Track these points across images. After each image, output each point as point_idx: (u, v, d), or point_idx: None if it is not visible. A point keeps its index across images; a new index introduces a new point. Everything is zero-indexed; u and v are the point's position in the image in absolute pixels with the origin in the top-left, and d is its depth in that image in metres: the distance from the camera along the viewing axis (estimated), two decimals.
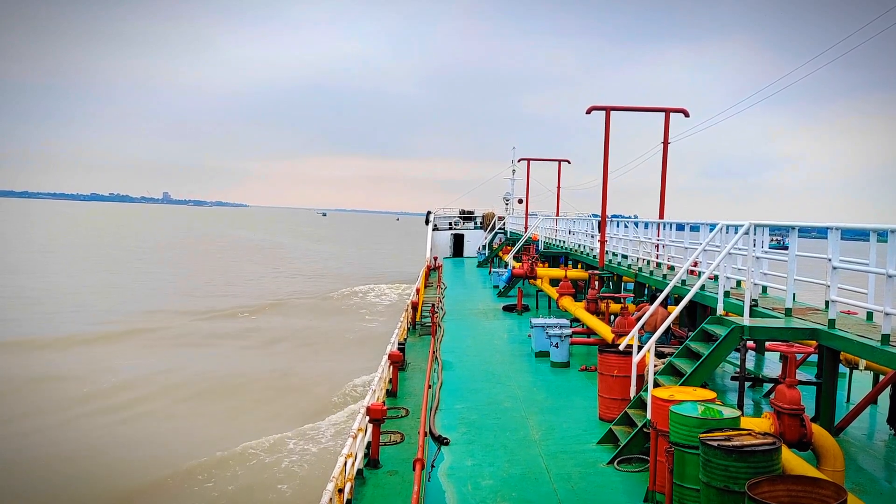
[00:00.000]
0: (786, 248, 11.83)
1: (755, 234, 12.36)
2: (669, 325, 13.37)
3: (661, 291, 15.73)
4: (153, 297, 50.52)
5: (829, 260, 10.57)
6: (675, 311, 12.74)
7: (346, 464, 9.13)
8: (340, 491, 8.76)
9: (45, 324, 38.00)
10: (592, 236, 29.42)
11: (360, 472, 10.71)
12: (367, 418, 11.27)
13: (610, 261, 24.87)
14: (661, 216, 24.91)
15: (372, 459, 11.27)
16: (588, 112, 24.36)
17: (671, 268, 19.88)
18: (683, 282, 16.13)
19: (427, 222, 59.22)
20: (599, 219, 25.64)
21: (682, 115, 24.87)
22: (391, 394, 15.69)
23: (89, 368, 28.30)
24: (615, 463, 11.05)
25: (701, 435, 8.10)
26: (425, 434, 12.13)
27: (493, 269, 41.92)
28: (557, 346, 18.42)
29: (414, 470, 9.94)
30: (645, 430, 10.83)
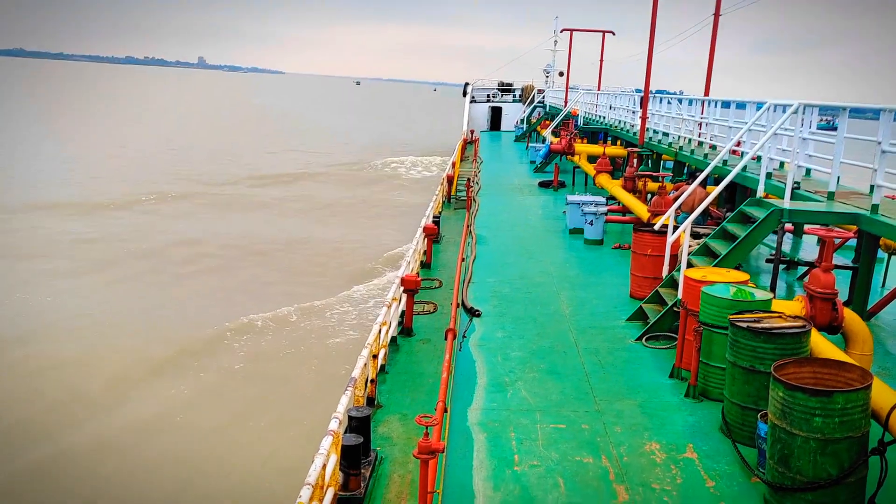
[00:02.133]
0: (835, 129, 11.45)
1: (803, 115, 11.96)
2: (707, 206, 13.23)
3: (701, 171, 15.46)
4: (178, 165, 50.87)
5: (879, 143, 10.24)
6: (714, 191, 12.56)
7: (380, 331, 9.41)
8: (375, 357, 9.09)
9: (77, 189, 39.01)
10: (633, 112, 28.69)
11: (393, 339, 11.07)
12: (402, 288, 11.50)
13: (650, 138, 24.34)
14: (707, 93, 24.11)
15: (405, 328, 11.60)
16: None
17: (713, 147, 19.45)
18: (725, 162, 15.81)
19: (465, 94, 58.14)
20: (642, 94, 24.89)
21: None
22: (425, 265, 15.95)
23: (118, 233, 29.16)
24: (643, 339, 11.25)
25: (731, 316, 8.19)
26: (458, 305, 12.41)
27: (530, 144, 41.39)
28: (592, 224, 18.40)
29: (446, 339, 10.24)
30: (675, 309, 10.95)
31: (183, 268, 24.62)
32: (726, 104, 19.33)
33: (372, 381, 8.94)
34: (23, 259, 24.36)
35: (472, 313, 12.45)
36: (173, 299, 21.33)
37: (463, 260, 15.77)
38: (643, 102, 24.48)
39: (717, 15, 23.62)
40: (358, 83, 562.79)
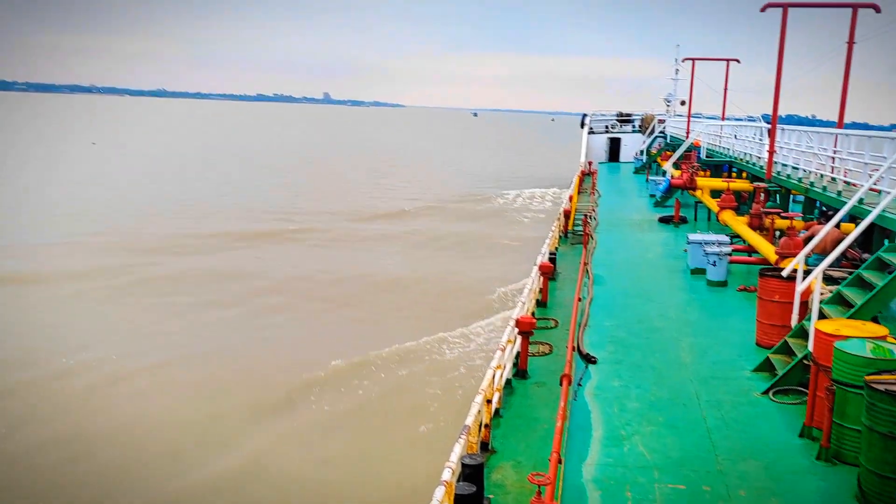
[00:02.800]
0: None
1: None
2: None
3: (834, 209, 14.64)
4: (296, 198, 52.61)
5: None
6: (852, 235, 11.85)
7: (494, 375, 9.41)
8: (489, 401, 9.09)
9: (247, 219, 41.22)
10: (760, 141, 27.60)
11: (508, 381, 11.04)
12: (517, 330, 11.47)
13: (779, 172, 23.33)
14: (840, 125, 22.89)
15: (520, 370, 11.56)
16: (763, 10, 22.38)
17: (847, 183, 18.38)
18: (861, 200, 14.91)
19: (582, 125, 57.69)
20: (769, 121, 23.89)
21: (872, 10, 22.33)
22: (541, 303, 15.83)
23: (258, 265, 30.48)
24: (770, 393, 10.69)
25: (867, 377, 7.68)
26: (573, 350, 12.24)
27: (650, 177, 40.49)
28: (715, 265, 17.71)
29: (560, 385, 10.12)
30: (805, 362, 10.36)
31: (295, 305, 25.16)
32: (861, 131, 18.28)
33: (486, 425, 8.94)
34: (119, 299, 25.40)
35: (588, 360, 12.24)
36: (282, 335, 21.89)
37: (580, 300, 15.53)
38: (770, 135, 23.51)
39: (850, 43, 22.45)
40: (475, 114, 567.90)
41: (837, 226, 15.34)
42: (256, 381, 18.25)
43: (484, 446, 8.89)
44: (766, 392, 10.77)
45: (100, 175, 60.39)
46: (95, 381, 18.03)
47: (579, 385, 11.11)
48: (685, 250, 19.91)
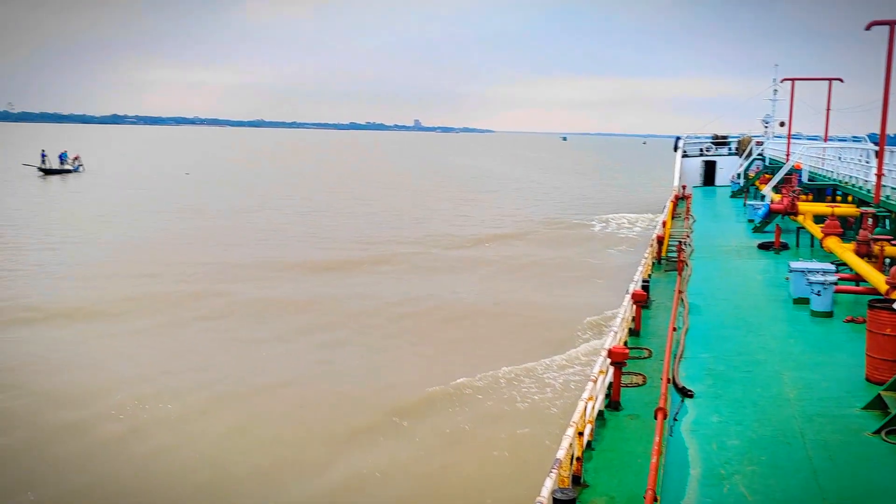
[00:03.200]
0: None
1: None
2: None
3: None
4: (378, 226, 52.86)
5: None
6: None
7: (586, 407, 9.26)
8: (580, 434, 8.94)
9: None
10: (867, 163, 26.33)
11: (600, 413, 10.85)
12: (609, 361, 11.28)
13: (888, 196, 22.20)
14: None
15: (613, 401, 11.36)
16: (867, 28, 21.47)
17: None
18: None
19: (675, 149, 56.52)
20: (876, 142, 22.83)
21: None
22: (633, 332, 15.53)
23: (339, 292, 30.91)
24: (882, 433, 10.07)
25: None
26: (668, 382, 11.90)
27: (747, 202, 39.19)
28: (819, 294, 16.92)
29: (655, 418, 9.86)
30: None
31: (373, 333, 25.07)
32: None
33: (578, 458, 8.81)
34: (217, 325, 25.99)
35: (684, 393, 11.87)
36: (360, 364, 21.93)
37: (674, 330, 15.13)
38: (878, 155, 22.44)
39: None
40: (565, 139, 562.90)
41: None
42: (318, 424, 17.72)
43: (576, 480, 8.74)
44: (877, 432, 10.17)
45: (191, 206, 62.53)
46: (147, 421, 17.58)
47: (675, 419, 10.78)
48: (787, 279, 19.15)
